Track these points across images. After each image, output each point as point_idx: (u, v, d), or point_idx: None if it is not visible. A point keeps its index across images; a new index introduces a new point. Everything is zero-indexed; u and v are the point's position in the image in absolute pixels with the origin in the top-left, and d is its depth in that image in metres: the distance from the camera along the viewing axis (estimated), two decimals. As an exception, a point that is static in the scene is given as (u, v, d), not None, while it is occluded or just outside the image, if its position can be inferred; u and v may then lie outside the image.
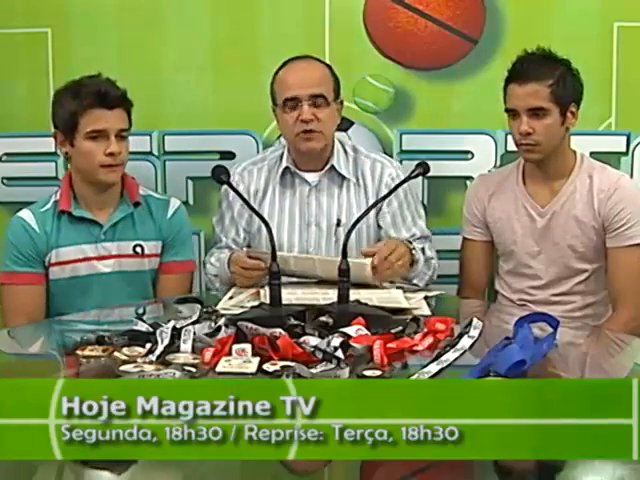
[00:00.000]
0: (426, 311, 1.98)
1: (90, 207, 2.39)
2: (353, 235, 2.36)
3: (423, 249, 2.40)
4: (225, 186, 2.47)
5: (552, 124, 2.33)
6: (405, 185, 2.30)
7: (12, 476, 1.26)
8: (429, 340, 1.72)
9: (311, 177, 2.48)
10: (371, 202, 2.40)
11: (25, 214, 2.39)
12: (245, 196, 2.42)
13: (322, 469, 1.32)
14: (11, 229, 2.39)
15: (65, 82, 2.37)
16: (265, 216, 2.42)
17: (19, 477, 1.27)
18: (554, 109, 2.32)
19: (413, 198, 2.52)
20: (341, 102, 2.47)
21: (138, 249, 2.41)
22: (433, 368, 1.53)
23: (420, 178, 2.50)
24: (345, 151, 2.50)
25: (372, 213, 2.40)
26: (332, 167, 2.47)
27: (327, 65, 2.48)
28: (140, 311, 2.26)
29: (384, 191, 2.41)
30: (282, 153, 2.51)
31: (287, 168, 2.48)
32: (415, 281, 2.37)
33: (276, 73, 2.44)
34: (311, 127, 2.37)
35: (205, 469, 1.29)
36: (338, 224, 2.45)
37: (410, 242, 2.33)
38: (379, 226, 2.48)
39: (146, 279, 2.44)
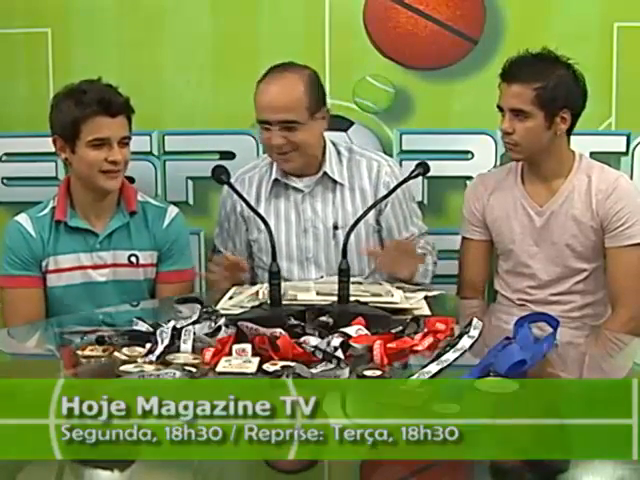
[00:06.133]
0: (426, 311, 1.98)
1: (87, 215, 2.38)
2: (352, 236, 2.35)
3: (430, 245, 2.40)
4: (222, 196, 2.52)
5: (533, 128, 2.30)
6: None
7: (12, 476, 1.26)
8: (429, 340, 1.72)
9: (302, 183, 2.44)
10: (369, 202, 2.38)
11: (22, 218, 2.38)
12: (238, 207, 2.46)
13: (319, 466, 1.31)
14: (8, 233, 2.39)
15: (64, 84, 2.34)
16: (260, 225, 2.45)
17: (18, 477, 1.27)
18: (537, 113, 2.29)
19: (410, 196, 2.53)
20: (327, 110, 2.41)
21: (133, 259, 2.40)
22: (433, 368, 1.53)
23: (420, 178, 2.50)
24: (339, 153, 2.47)
25: (371, 214, 2.37)
26: (324, 173, 2.44)
27: (310, 74, 2.36)
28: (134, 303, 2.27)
29: (382, 190, 2.39)
30: (272, 161, 2.47)
31: (277, 180, 2.45)
32: (421, 279, 2.35)
33: (259, 82, 2.37)
34: (284, 150, 2.34)
35: (206, 469, 1.29)
36: (335, 227, 2.44)
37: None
38: (379, 225, 2.47)
39: (142, 289, 2.42)
